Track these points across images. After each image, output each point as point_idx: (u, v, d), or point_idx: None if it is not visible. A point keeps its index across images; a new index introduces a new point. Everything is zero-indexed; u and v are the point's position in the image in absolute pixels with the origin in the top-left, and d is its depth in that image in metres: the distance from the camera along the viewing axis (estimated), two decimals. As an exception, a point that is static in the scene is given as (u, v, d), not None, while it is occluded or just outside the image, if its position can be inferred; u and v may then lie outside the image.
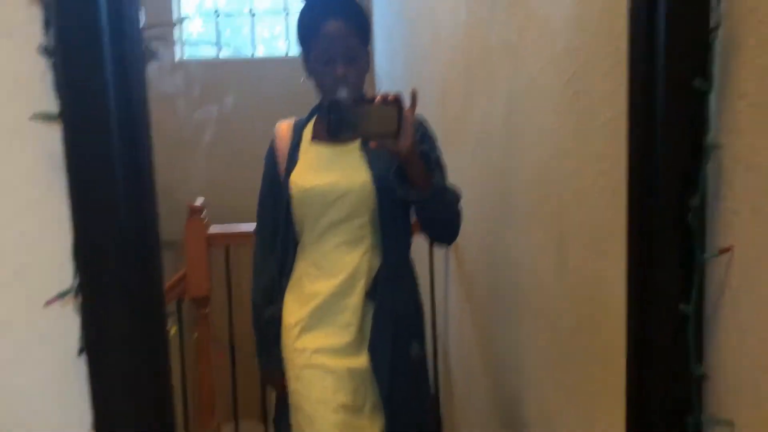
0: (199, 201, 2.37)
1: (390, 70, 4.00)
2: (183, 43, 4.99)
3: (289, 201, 1.57)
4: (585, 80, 1.17)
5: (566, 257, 1.30)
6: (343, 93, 1.47)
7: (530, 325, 1.52)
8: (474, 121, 1.95)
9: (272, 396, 1.73)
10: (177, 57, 4.96)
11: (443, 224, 1.55)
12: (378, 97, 1.30)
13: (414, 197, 1.43)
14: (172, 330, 2.54)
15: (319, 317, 1.54)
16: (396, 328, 1.55)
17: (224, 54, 5.12)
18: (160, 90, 4.66)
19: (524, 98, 1.50)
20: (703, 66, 0.75)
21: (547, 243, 1.39)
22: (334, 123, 1.29)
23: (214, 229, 2.39)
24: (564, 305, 1.31)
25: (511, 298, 1.66)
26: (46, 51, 0.71)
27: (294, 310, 1.58)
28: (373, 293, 1.54)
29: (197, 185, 4.23)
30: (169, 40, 4.69)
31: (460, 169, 2.11)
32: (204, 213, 2.37)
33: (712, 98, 0.77)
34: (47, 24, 0.71)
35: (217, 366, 2.61)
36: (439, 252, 2.57)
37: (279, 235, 1.64)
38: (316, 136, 1.61)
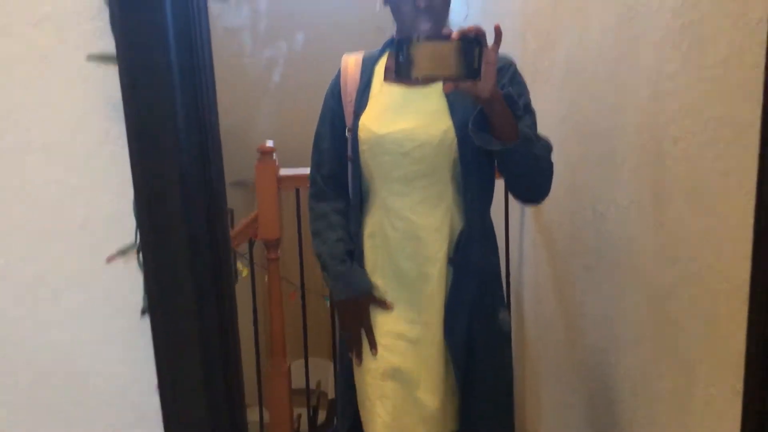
0: (269, 143, 2.33)
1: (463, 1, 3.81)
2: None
3: (357, 148, 1.42)
4: (698, 9, 1.03)
5: (663, 211, 1.18)
6: (425, 25, 1.30)
7: (619, 280, 1.41)
8: (560, 57, 1.80)
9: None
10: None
11: (530, 180, 1.37)
12: (455, 32, 1.13)
13: (497, 147, 1.25)
14: (244, 272, 2.56)
15: (398, 289, 1.43)
16: (478, 299, 1.43)
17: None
18: (229, 24, 4.59)
19: (621, 30, 1.35)
20: None
21: (642, 194, 1.27)
22: (404, 63, 1.13)
23: (285, 171, 2.35)
24: (660, 262, 1.20)
25: (597, 252, 1.55)
26: (101, -16, 0.64)
27: (374, 277, 1.46)
28: (455, 259, 1.41)
29: (269, 125, 4.21)
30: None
31: (541, 109, 1.98)
32: (274, 155, 2.32)
33: None
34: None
35: (288, 307, 2.62)
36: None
37: (344, 183, 1.50)
38: (389, 76, 1.43)
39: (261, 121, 4.46)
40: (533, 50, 2.08)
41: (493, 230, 1.51)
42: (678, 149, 1.11)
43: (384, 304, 1.44)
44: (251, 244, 2.53)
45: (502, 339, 1.49)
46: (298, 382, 2.95)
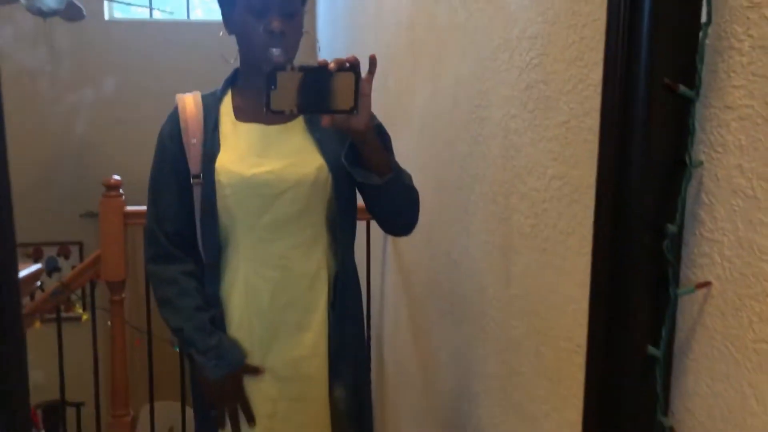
0: (115, 177, 2.16)
1: (331, 38, 3.82)
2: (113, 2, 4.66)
3: (214, 194, 1.28)
4: (542, 70, 1.05)
5: (512, 264, 1.19)
6: (276, 52, 1.21)
7: (472, 332, 1.41)
8: (418, 104, 1.81)
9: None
10: (106, 16, 4.64)
11: (404, 210, 1.33)
12: (332, 63, 1.06)
13: (377, 181, 1.20)
14: (84, 316, 2.35)
15: (270, 346, 1.32)
16: (354, 345, 1.40)
17: (157, 15, 4.82)
18: (87, 50, 4.36)
19: (473, 83, 1.37)
20: (689, 70, 0.64)
21: (492, 246, 1.28)
22: (276, 96, 1.04)
23: (133, 207, 2.19)
24: (508, 317, 1.21)
25: (451, 300, 1.55)
26: None
27: (242, 336, 1.32)
28: (335, 305, 1.34)
29: (120, 157, 3.98)
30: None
31: (400, 154, 1.98)
32: (121, 190, 2.16)
33: (697, 108, 0.66)
34: None
35: (134, 349, 2.44)
36: (376, 237, 2.45)
37: (191, 241, 1.33)
38: (241, 114, 1.33)
39: (112, 151, 4.22)
40: (395, 93, 2.10)
41: (358, 274, 1.46)
42: (524, 205, 1.12)
43: (257, 371, 1.32)
44: (93, 286, 2.33)
45: (367, 382, 1.47)
46: (147, 428, 2.74)
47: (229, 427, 1.34)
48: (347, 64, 1.07)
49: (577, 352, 0.95)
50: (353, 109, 1.09)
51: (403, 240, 2.06)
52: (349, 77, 1.07)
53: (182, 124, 1.32)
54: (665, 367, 0.67)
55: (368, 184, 1.22)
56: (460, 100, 1.45)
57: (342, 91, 1.07)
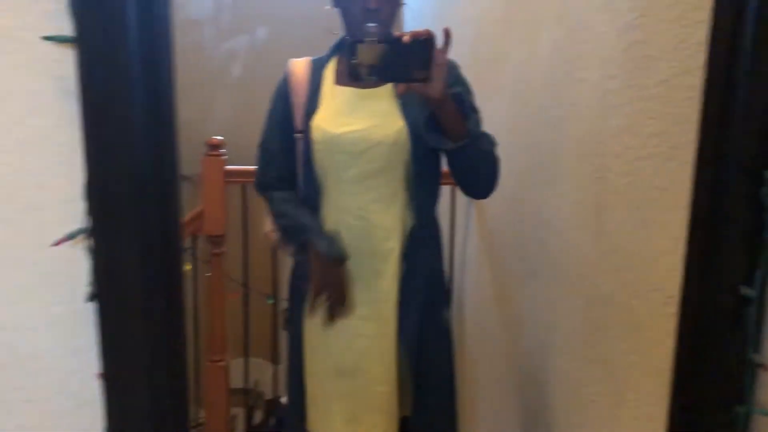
0: (218, 137, 2.30)
1: (420, 5, 3.85)
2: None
3: (310, 148, 1.43)
4: (643, 30, 1.08)
5: (604, 221, 1.22)
6: (372, 27, 1.30)
7: (559, 290, 1.46)
8: (511, 68, 1.85)
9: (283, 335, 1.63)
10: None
11: (480, 175, 1.42)
12: (407, 36, 1.17)
13: (448, 146, 1.31)
14: (186, 267, 2.52)
15: (355, 285, 1.42)
16: (426, 294, 1.48)
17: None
18: (186, 16, 4.50)
19: (570, 46, 1.40)
20: (797, 21, 0.67)
21: (585, 205, 1.31)
22: (357, 65, 1.16)
23: (232, 166, 2.33)
24: (599, 273, 1.25)
25: (539, 260, 1.60)
26: (60, -36, 0.63)
27: None
28: (406, 256, 1.45)
29: (218, 122, 4.14)
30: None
31: (490, 118, 2.02)
32: (223, 150, 2.30)
33: (803, 59, 0.68)
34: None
35: (229, 305, 2.60)
36: (461, 202, 2.50)
37: (294, 187, 1.51)
38: (340, 78, 1.47)
39: (210, 117, 4.39)
40: (486, 61, 2.13)
41: (440, 232, 1.55)
42: (619, 163, 1.16)
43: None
44: (195, 240, 2.50)
45: (446, 334, 1.55)
46: (234, 381, 2.92)
47: (317, 314, 1.42)
48: (422, 37, 1.17)
49: (667, 303, 0.99)
50: (427, 78, 1.19)
51: (488, 204, 2.11)
52: (424, 48, 1.18)
53: (292, 86, 1.50)
54: (758, 306, 0.71)
55: (442, 148, 1.33)
56: (556, 63, 1.48)
57: (417, 61, 1.18)
